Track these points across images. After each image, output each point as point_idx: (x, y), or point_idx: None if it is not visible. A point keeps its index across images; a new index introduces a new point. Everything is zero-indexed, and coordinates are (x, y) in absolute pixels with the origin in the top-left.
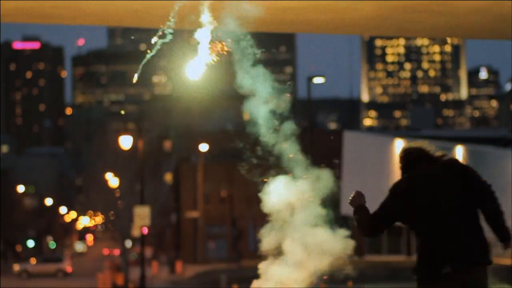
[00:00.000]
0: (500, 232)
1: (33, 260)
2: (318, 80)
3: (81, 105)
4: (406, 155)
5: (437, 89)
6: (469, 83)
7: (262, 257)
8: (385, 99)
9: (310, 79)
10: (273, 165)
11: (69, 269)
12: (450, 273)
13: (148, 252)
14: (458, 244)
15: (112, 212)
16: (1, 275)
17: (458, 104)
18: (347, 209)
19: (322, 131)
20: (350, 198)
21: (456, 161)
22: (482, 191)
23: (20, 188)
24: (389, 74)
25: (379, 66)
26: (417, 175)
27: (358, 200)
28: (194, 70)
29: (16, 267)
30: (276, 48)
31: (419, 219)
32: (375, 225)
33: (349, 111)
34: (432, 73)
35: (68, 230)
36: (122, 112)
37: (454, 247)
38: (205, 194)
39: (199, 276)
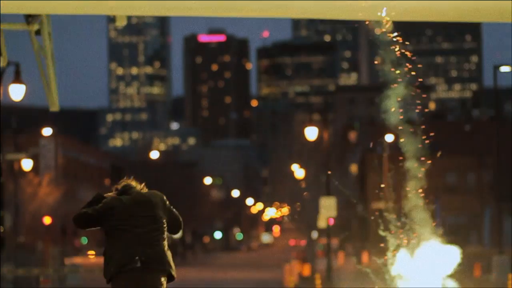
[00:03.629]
0: None
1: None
2: (504, 68)
3: (266, 97)
4: (119, 188)
5: None
6: None
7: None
8: None
9: (496, 67)
10: None
11: None
12: (131, 272)
13: (335, 242)
14: (141, 251)
15: (298, 203)
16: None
17: None
18: None
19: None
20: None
21: (161, 194)
22: (174, 220)
23: (207, 180)
24: None
25: None
26: (126, 195)
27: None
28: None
29: None
30: (461, 37)
31: (116, 225)
32: (87, 215)
33: None
34: None
35: (254, 222)
36: None
37: (137, 252)
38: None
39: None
